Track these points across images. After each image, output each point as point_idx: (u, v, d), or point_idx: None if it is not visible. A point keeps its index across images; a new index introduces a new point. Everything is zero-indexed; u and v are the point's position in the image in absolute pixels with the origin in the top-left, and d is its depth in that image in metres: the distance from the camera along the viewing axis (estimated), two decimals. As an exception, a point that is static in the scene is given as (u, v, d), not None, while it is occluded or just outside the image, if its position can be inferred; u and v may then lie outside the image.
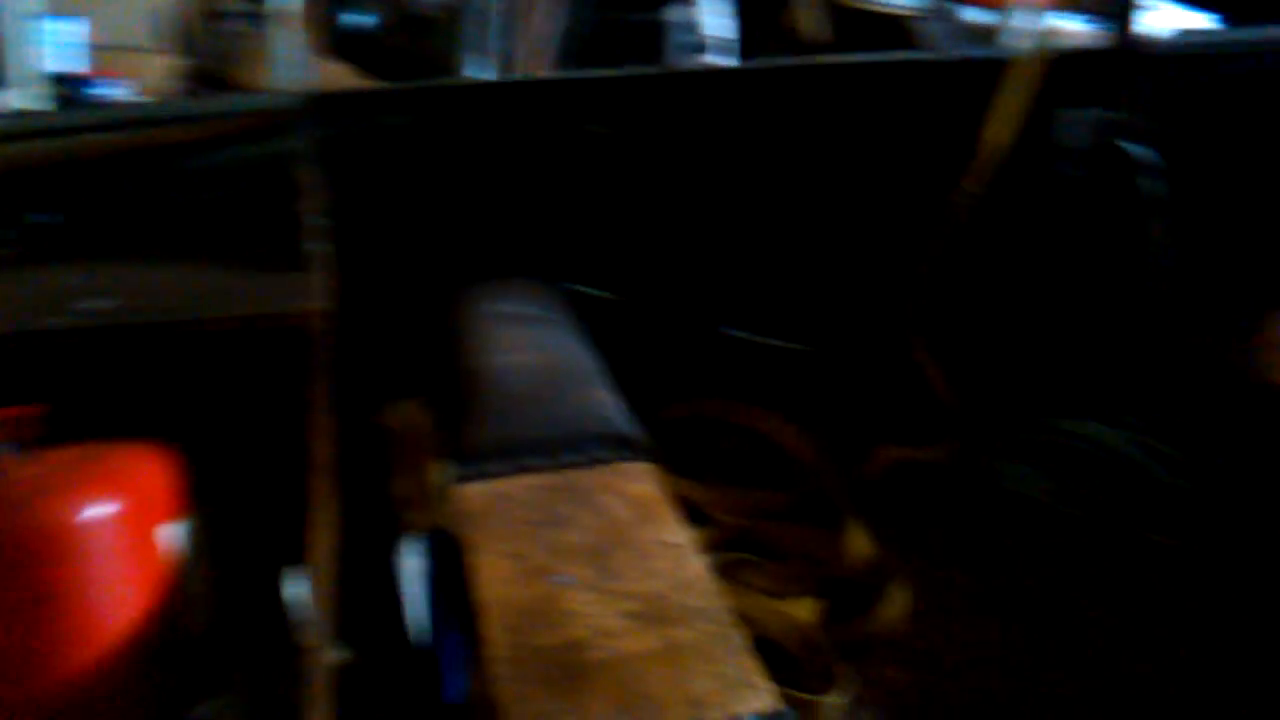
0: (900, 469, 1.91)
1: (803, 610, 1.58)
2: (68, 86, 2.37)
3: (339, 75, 2.17)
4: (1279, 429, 1.73)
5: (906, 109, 1.92)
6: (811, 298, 2.04)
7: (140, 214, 1.74)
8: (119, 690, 1.17)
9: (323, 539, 1.21)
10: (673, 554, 1.18)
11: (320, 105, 1.85)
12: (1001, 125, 1.82)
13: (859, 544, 1.69)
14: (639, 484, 1.32)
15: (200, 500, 1.35)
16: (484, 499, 1.27)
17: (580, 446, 1.36)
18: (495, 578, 1.14)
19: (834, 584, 1.66)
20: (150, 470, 1.28)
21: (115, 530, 1.20)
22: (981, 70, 1.88)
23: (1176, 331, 1.90)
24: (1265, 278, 1.88)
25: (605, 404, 1.44)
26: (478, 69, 2.19)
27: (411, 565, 1.47)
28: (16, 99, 2.15)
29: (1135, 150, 1.83)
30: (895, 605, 1.58)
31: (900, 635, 1.58)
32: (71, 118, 2.00)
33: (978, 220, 1.87)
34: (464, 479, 1.31)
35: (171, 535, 1.28)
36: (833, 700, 1.42)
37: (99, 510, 1.18)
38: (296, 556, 1.39)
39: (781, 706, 0.97)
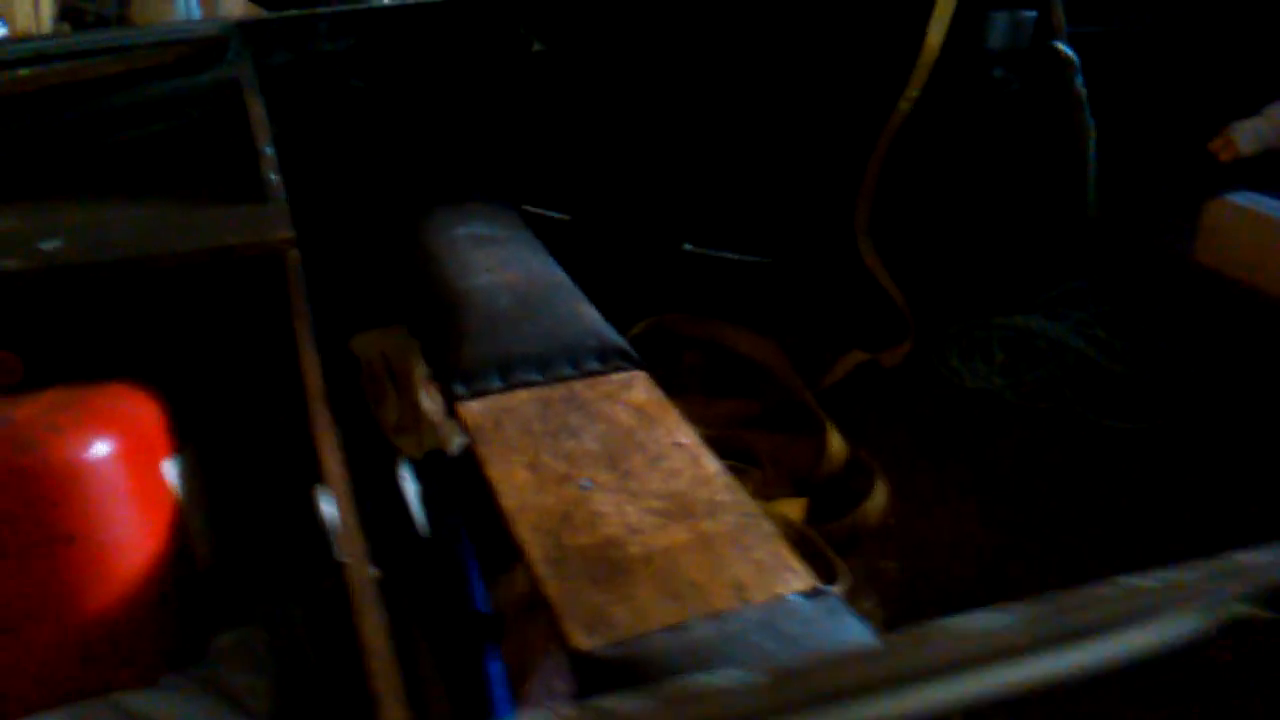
0: (861, 372, 1.97)
1: (792, 510, 1.62)
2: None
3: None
4: (1214, 311, 1.82)
5: (847, 15, 1.94)
6: (763, 209, 2.06)
7: (79, 151, 1.66)
8: (140, 627, 1.15)
9: (332, 461, 1.19)
10: (685, 454, 1.21)
11: (253, 33, 1.79)
12: (937, 28, 1.85)
13: (835, 445, 1.74)
14: (638, 392, 1.33)
15: (189, 435, 1.33)
16: (488, 415, 1.27)
17: (574, 359, 1.37)
18: (517, 487, 1.14)
19: (815, 485, 1.71)
20: (142, 407, 1.25)
21: (123, 465, 1.17)
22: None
23: (1114, 224, 1.99)
24: (1196, 167, 1.96)
25: (592, 317, 1.44)
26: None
27: (409, 488, 1.47)
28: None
29: (1067, 50, 1.89)
30: (877, 501, 1.64)
31: (884, 528, 1.64)
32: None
33: (920, 124, 1.91)
34: (462, 398, 1.30)
35: (171, 469, 1.26)
36: (833, 590, 1.47)
37: (107, 446, 1.15)
38: (298, 483, 1.37)
39: (821, 585, 1.01)
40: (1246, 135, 1.92)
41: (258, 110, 1.64)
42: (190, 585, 1.21)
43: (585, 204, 1.98)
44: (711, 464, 1.19)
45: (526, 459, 1.19)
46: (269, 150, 1.58)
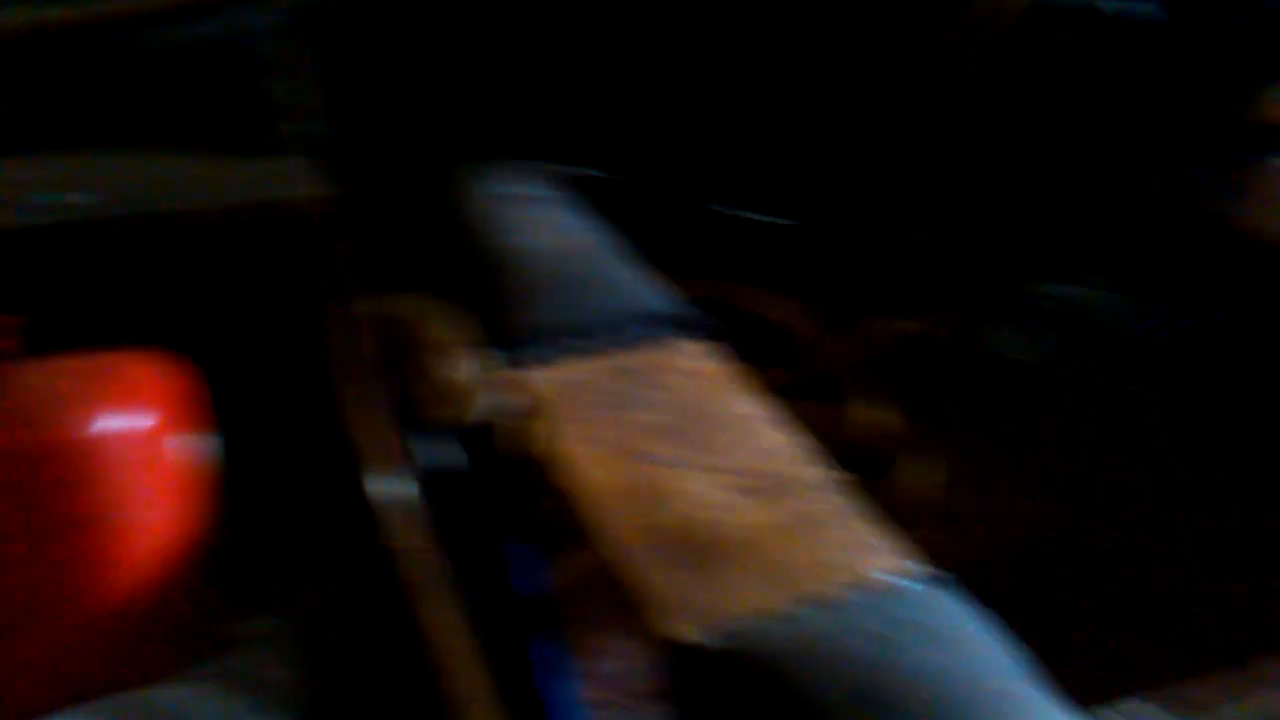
0: (899, 341, 1.91)
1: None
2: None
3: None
4: (1262, 282, 1.78)
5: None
6: (798, 168, 1.99)
7: (99, 98, 1.56)
8: (164, 617, 1.08)
9: (378, 438, 1.12)
10: (758, 427, 1.15)
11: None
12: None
13: (876, 415, 1.68)
14: (701, 360, 1.27)
15: (218, 407, 1.25)
16: (549, 384, 1.21)
17: (631, 326, 1.30)
18: (587, 462, 1.08)
19: (857, 455, 1.66)
20: (165, 378, 1.16)
21: (145, 443, 1.09)
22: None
23: (1160, 189, 1.93)
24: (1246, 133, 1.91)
25: (646, 281, 1.38)
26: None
27: (451, 464, 1.39)
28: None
29: (1117, 6, 1.83)
30: (921, 472, 1.59)
31: (928, 501, 1.59)
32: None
33: (973, 85, 1.84)
34: (521, 366, 1.23)
35: (197, 446, 1.18)
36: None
37: (127, 422, 1.07)
38: (327, 461, 1.30)
39: (916, 562, 0.95)
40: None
41: (291, 57, 1.55)
42: (219, 567, 1.14)
43: (621, 161, 1.90)
44: (790, 436, 1.13)
45: (594, 432, 1.12)
46: (301, 100, 1.50)
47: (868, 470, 1.64)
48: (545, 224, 1.48)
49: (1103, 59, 1.89)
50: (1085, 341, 1.91)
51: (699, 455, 1.09)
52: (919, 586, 0.92)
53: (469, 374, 1.47)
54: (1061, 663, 0.84)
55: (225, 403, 1.28)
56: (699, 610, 0.89)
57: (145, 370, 1.17)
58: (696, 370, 1.25)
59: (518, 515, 1.35)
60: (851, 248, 1.99)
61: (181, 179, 1.37)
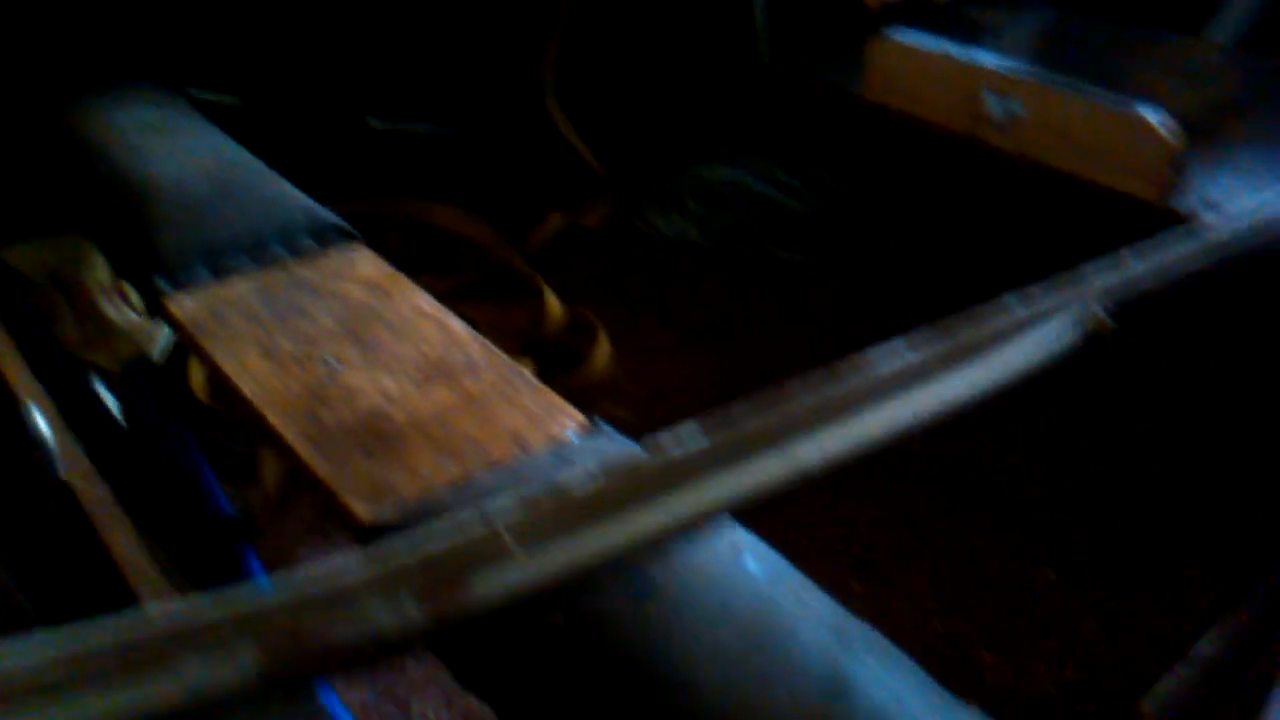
0: (565, 234, 1.98)
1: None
2: None
3: None
4: (879, 145, 1.98)
5: None
6: (448, 77, 2.00)
7: None
8: None
9: (22, 377, 1.06)
10: (430, 321, 1.17)
11: None
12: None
13: (552, 306, 1.75)
14: (365, 266, 1.27)
15: None
16: (203, 308, 1.17)
17: (288, 240, 1.28)
18: (254, 375, 1.06)
19: (538, 346, 1.72)
20: None
21: None
22: None
23: (783, 69, 2.09)
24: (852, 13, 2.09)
25: (298, 195, 1.35)
26: None
27: (110, 402, 1.33)
28: None
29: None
30: (601, 353, 1.68)
31: (612, 381, 1.68)
32: None
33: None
34: (168, 294, 1.19)
35: None
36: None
37: None
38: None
39: (597, 421, 1.02)
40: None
41: None
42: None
43: (256, 84, 1.83)
44: (459, 326, 1.16)
45: (259, 347, 1.10)
46: None
47: (557, 357, 1.73)
48: (180, 149, 1.41)
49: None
50: (734, 217, 2.05)
51: (371, 354, 1.10)
52: (587, 440, 0.99)
53: (116, 312, 1.40)
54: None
55: None
56: (379, 491, 0.91)
57: None
58: (363, 276, 1.25)
59: (188, 443, 1.31)
60: (511, 150, 2.04)
61: None
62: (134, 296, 1.45)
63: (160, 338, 1.38)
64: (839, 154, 2.08)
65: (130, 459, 1.26)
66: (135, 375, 1.32)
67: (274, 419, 1.02)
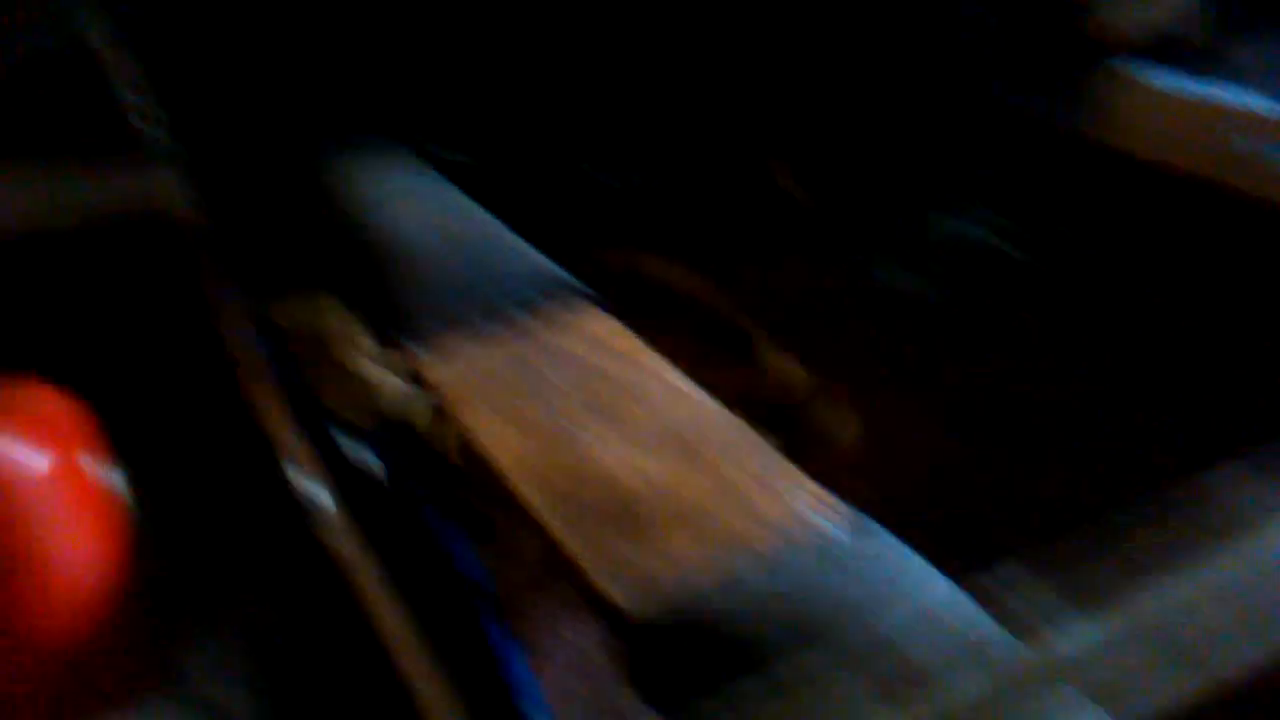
0: (789, 288, 1.93)
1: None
2: None
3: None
4: (1115, 191, 1.85)
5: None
6: (670, 127, 1.99)
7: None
8: (98, 652, 1.03)
9: (293, 440, 1.09)
10: (673, 390, 1.15)
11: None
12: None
13: (787, 372, 1.70)
14: (598, 326, 1.27)
15: (119, 432, 1.19)
16: (451, 371, 1.18)
17: (523, 298, 1.29)
18: (504, 442, 1.07)
19: (769, 411, 1.67)
20: (63, 406, 1.11)
21: (61, 476, 1.03)
22: None
23: (1005, 105, 1.99)
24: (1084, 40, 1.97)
25: (529, 250, 1.37)
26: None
27: (371, 464, 1.36)
28: None
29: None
30: (845, 429, 1.61)
31: (841, 449, 1.62)
32: None
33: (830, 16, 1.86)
34: (417, 356, 1.21)
35: (108, 474, 1.12)
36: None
37: (41, 456, 1.01)
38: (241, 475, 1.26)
39: (858, 516, 0.97)
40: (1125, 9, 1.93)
41: (121, 53, 1.47)
42: (148, 598, 1.09)
43: (484, 141, 1.86)
44: (704, 398, 1.14)
45: (509, 415, 1.11)
46: (140, 101, 1.42)
47: (781, 425, 1.67)
48: (423, 209, 1.45)
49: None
50: (963, 270, 1.96)
51: (619, 427, 1.09)
52: (845, 531, 0.94)
53: (372, 371, 1.44)
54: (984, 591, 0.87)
55: (124, 428, 1.22)
56: (634, 576, 0.89)
57: (37, 399, 1.11)
58: (600, 339, 1.24)
59: (445, 507, 1.33)
60: (728, 200, 2.01)
61: (38, 194, 1.29)
62: (385, 356, 1.49)
63: (415, 399, 1.41)
64: (1075, 201, 1.95)
65: (387, 519, 1.28)
66: (393, 436, 1.35)
67: (529, 492, 1.01)
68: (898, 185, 2.06)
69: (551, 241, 1.91)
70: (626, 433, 1.07)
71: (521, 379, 1.16)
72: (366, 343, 1.42)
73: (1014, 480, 1.53)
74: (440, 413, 1.14)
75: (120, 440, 1.19)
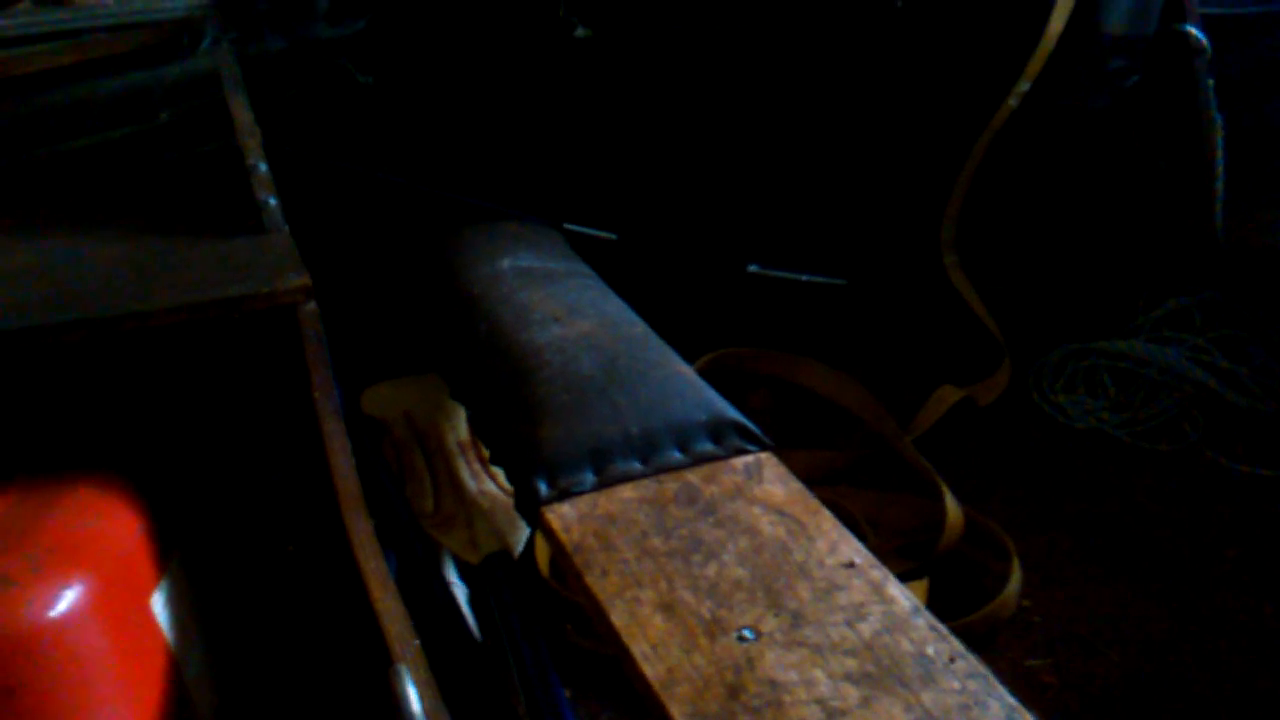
0: (954, 412, 1.69)
1: (914, 593, 1.34)
2: None
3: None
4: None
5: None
6: (838, 223, 1.77)
7: (18, 165, 1.32)
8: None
9: (375, 572, 0.89)
10: (864, 580, 0.92)
11: (235, 14, 1.45)
12: (1060, 13, 1.56)
13: (953, 512, 1.45)
14: (774, 484, 1.04)
15: (178, 541, 1.01)
16: (588, 524, 0.97)
17: (682, 440, 1.07)
18: (655, 641, 0.85)
19: (929, 556, 1.44)
20: (120, 518, 0.93)
21: (96, 615, 0.86)
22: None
23: (1230, 236, 1.73)
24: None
25: (695, 381, 1.14)
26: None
27: (461, 600, 1.16)
28: None
29: (1199, 35, 1.62)
30: (1014, 584, 1.37)
31: (1020, 613, 1.37)
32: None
33: (1025, 123, 1.63)
34: (549, 499, 1.00)
35: (160, 601, 0.94)
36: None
37: (73, 593, 0.83)
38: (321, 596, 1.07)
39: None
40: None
41: (243, 113, 1.31)
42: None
43: (635, 220, 1.67)
44: (900, 594, 0.90)
45: (656, 594, 0.89)
46: (262, 166, 1.26)
47: (942, 572, 1.44)
48: (568, 309, 1.24)
49: (1190, 92, 1.67)
50: (1163, 407, 1.70)
51: (794, 627, 0.86)
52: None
53: (473, 489, 1.24)
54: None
55: (193, 534, 1.05)
56: None
57: (93, 509, 0.94)
58: (766, 497, 1.02)
59: (545, 652, 1.12)
60: (899, 307, 1.78)
61: (129, 271, 1.13)
62: (492, 476, 1.29)
63: (522, 528, 1.20)
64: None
65: (473, 662, 1.08)
66: (491, 570, 1.15)
67: (674, 708, 0.80)
68: (1087, 303, 1.81)
69: (701, 335, 1.71)
70: (802, 635, 0.85)
71: (668, 543, 0.95)
72: (471, 442, 1.24)
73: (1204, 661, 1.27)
74: (561, 565, 0.94)
75: (186, 546, 1.01)
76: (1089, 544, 1.48)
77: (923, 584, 1.37)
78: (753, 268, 1.71)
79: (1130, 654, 1.31)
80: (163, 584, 0.97)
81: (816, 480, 1.56)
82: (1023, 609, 1.39)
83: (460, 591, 1.19)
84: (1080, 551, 1.48)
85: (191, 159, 1.35)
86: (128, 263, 1.13)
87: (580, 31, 1.53)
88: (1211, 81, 1.63)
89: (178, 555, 1.02)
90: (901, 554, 1.46)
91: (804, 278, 1.71)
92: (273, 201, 1.22)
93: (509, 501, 1.23)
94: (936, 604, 1.37)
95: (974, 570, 1.44)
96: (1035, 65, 1.56)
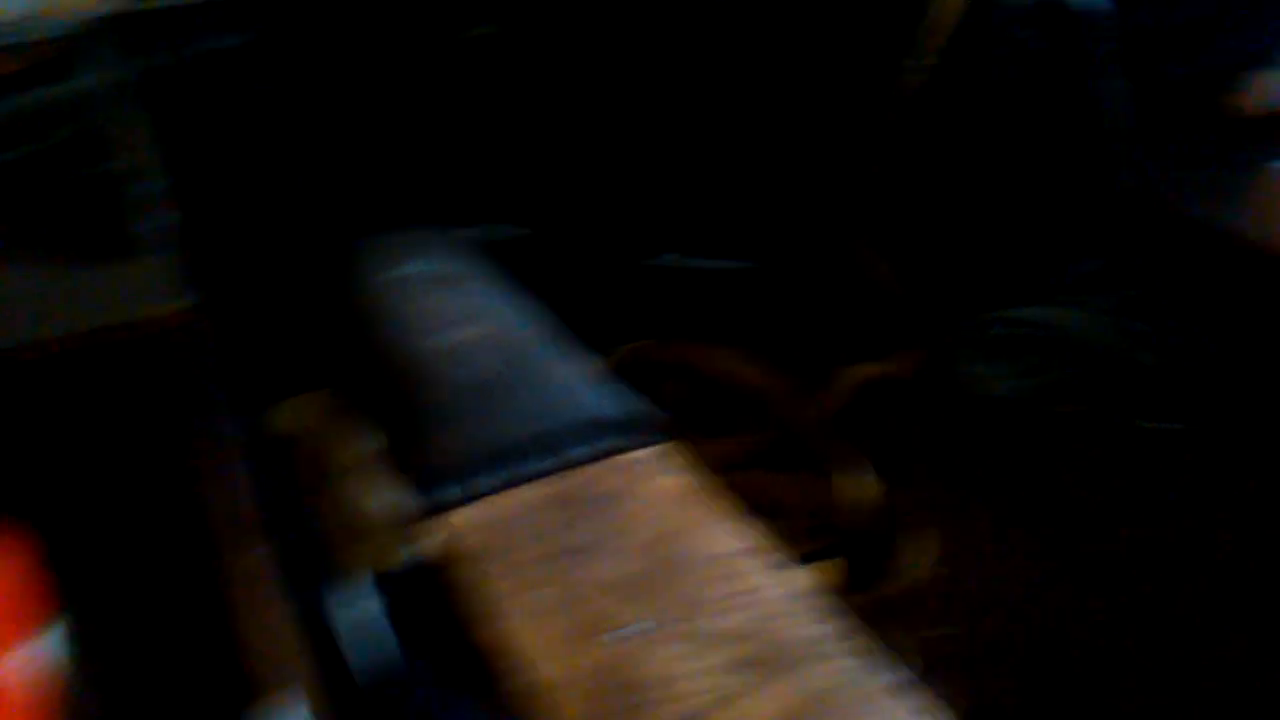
0: (868, 389, 1.71)
1: (825, 574, 1.37)
2: None
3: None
4: (1272, 296, 1.61)
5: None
6: (743, 206, 1.78)
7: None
8: None
9: (261, 602, 0.90)
10: (748, 568, 0.94)
11: (126, 28, 1.43)
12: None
13: (865, 490, 1.48)
14: (666, 476, 1.05)
15: (72, 590, 1.00)
16: (489, 527, 0.98)
17: (579, 438, 1.08)
18: (542, 640, 0.86)
19: (842, 536, 1.46)
20: (5, 560, 0.92)
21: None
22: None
23: (1130, 193, 1.76)
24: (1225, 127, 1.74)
25: (593, 377, 1.15)
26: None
27: (359, 616, 1.16)
28: None
29: (1082, 4, 1.64)
30: (925, 557, 1.39)
31: (935, 582, 1.40)
32: None
33: (928, 97, 1.64)
34: (451, 503, 1.01)
35: (48, 645, 0.93)
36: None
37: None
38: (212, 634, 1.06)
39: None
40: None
41: (139, 130, 1.29)
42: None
43: (547, 216, 1.67)
44: (792, 578, 0.92)
45: (553, 595, 0.90)
46: (157, 184, 1.24)
47: (853, 550, 1.46)
48: (464, 313, 1.25)
49: (1057, 57, 1.70)
50: (1073, 371, 1.73)
51: (682, 618, 0.88)
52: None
53: (383, 507, 1.24)
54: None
55: (77, 575, 1.04)
56: None
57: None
58: (658, 492, 1.03)
59: (447, 670, 1.12)
60: (809, 288, 1.79)
61: (27, 299, 1.11)
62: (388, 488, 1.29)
63: (431, 534, 1.20)
64: (1201, 295, 1.70)
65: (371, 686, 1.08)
66: (402, 580, 1.15)
67: (565, 709, 0.81)
68: (998, 271, 1.83)
69: (609, 328, 1.72)
70: (691, 627, 0.87)
71: (556, 542, 0.96)
72: (379, 469, 1.23)
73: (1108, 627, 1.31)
74: (454, 571, 0.94)
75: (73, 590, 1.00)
76: (1004, 511, 1.51)
77: (835, 563, 1.39)
78: (668, 258, 1.72)
79: (1035, 609, 1.34)
80: (51, 627, 0.96)
81: (731, 466, 1.59)
82: (939, 579, 1.41)
83: (376, 604, 1.19)
84: (996, 519, 1.51)
85: (83, 179, 1.33)
86: (19, 290, 1.11)
87: (482, 28, 1.53)
88: (1112, 46, 1.65)
89: (68, 596, 1.00)
90: (815, 534, 1.48)
91: (714, 265, 1.72)
92: (167, 220, 1.20)
93: (415, 510, 1.24)
94: (852, 581, 1.41)
95: (891, 545, 1.47)
96: (937, 38, 1.58)
